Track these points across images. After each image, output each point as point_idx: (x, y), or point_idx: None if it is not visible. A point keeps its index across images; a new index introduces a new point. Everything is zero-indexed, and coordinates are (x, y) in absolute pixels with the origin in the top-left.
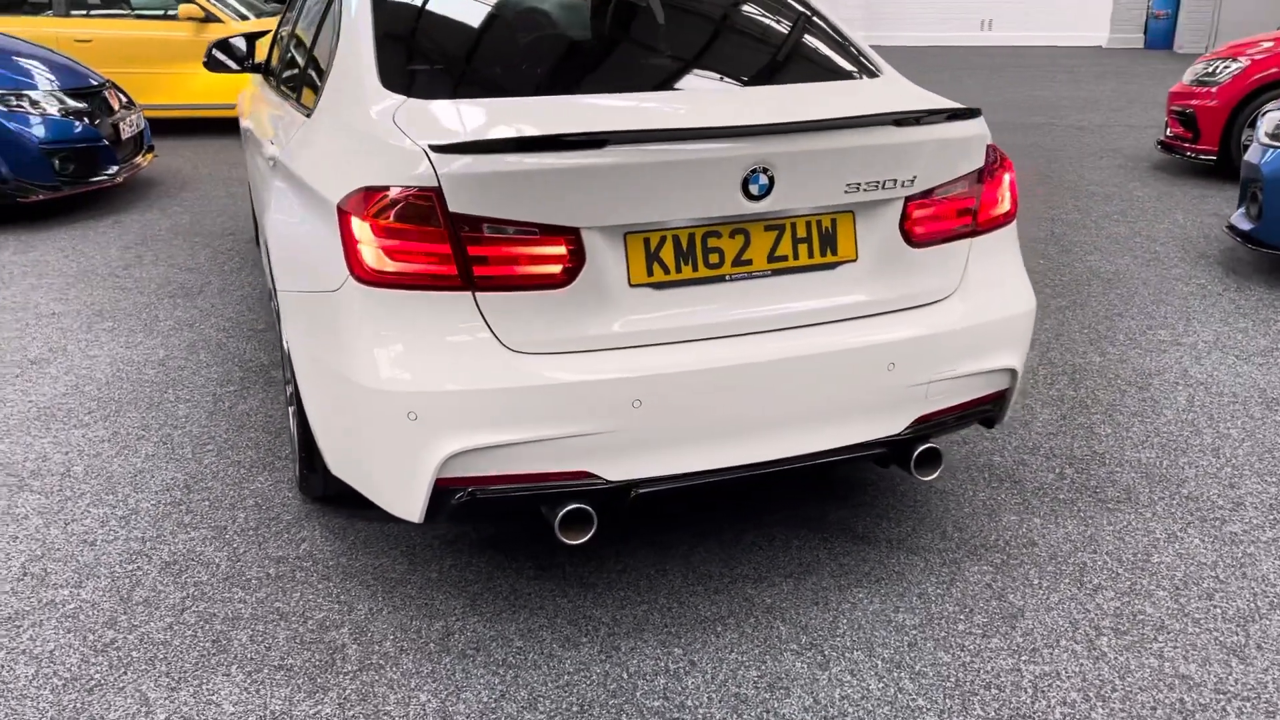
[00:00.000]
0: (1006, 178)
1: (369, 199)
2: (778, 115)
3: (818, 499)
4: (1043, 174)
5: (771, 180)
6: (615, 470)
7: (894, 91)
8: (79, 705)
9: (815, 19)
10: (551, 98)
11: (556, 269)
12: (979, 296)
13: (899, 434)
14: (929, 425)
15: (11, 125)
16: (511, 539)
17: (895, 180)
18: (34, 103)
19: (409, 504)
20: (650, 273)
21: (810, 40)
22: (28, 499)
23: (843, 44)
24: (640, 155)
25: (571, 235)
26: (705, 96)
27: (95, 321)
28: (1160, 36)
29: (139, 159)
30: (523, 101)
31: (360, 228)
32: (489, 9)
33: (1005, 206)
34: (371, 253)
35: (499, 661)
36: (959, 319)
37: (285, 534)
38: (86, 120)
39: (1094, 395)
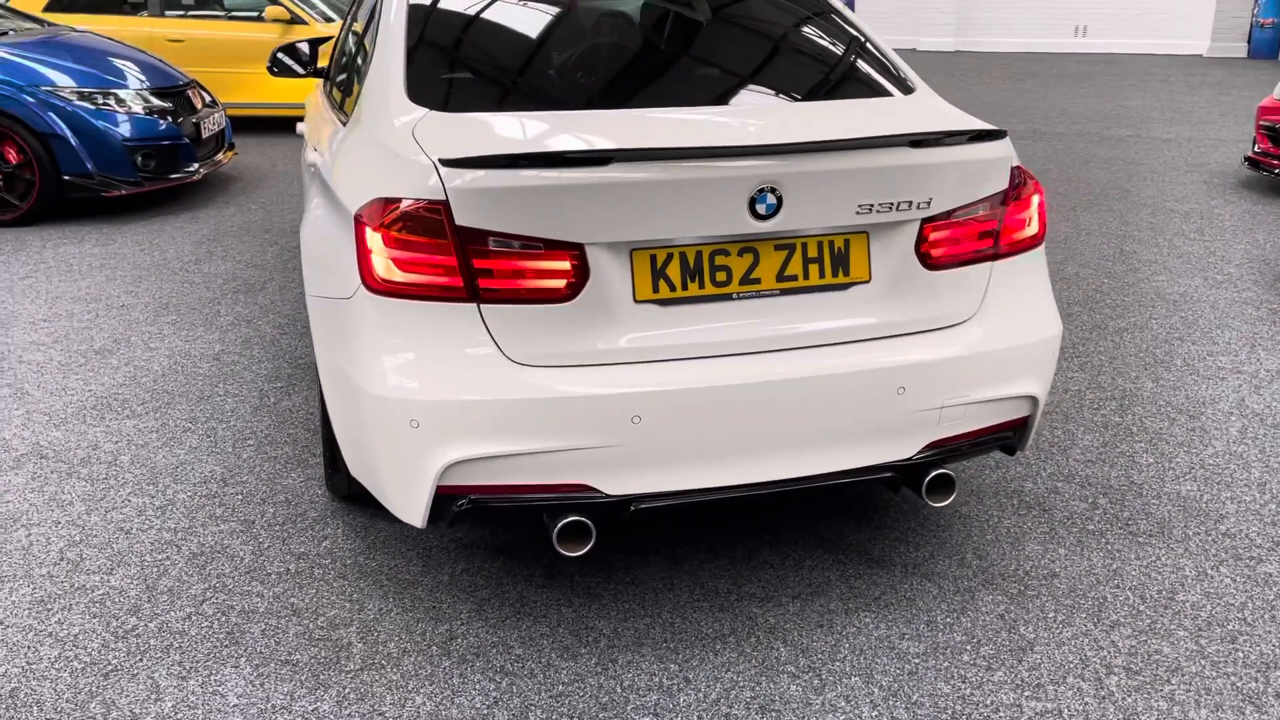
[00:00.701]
0: (1035, 200)
1: (382, 210)
2: (790, 135)
3: (837, 519)
4: (1121, 189)
5: (780, 200)
6: (614, 485)
7: (922, 110)
8: (94, 689)
9: (853, 34)
10: (575, 113)
11: (560, 283)
12: (999, 321)
13: (910, 459)
14: (942, 451)
15: (98, 123)
16: (524, 545)
17: (910, 202)
18: (120, 101)
19: (412, 509)
20: (656, 289)
21: (844, 57)
22: (75, 486)
23: (878, 60)
24: (644, 173)
25: (575, 251)
26: (723, 114)
27: (160, 314)
28: (1265, 46)
29: (219, 156)
30: (545, 116)
31: (373, 238)
32: (520, 24)
33: (1032, 230)
34: (382, 262)
35: (497, 668)
36: (975, 344)
37: (310, 531)
38: (170, 119)
39: (1141, 423)
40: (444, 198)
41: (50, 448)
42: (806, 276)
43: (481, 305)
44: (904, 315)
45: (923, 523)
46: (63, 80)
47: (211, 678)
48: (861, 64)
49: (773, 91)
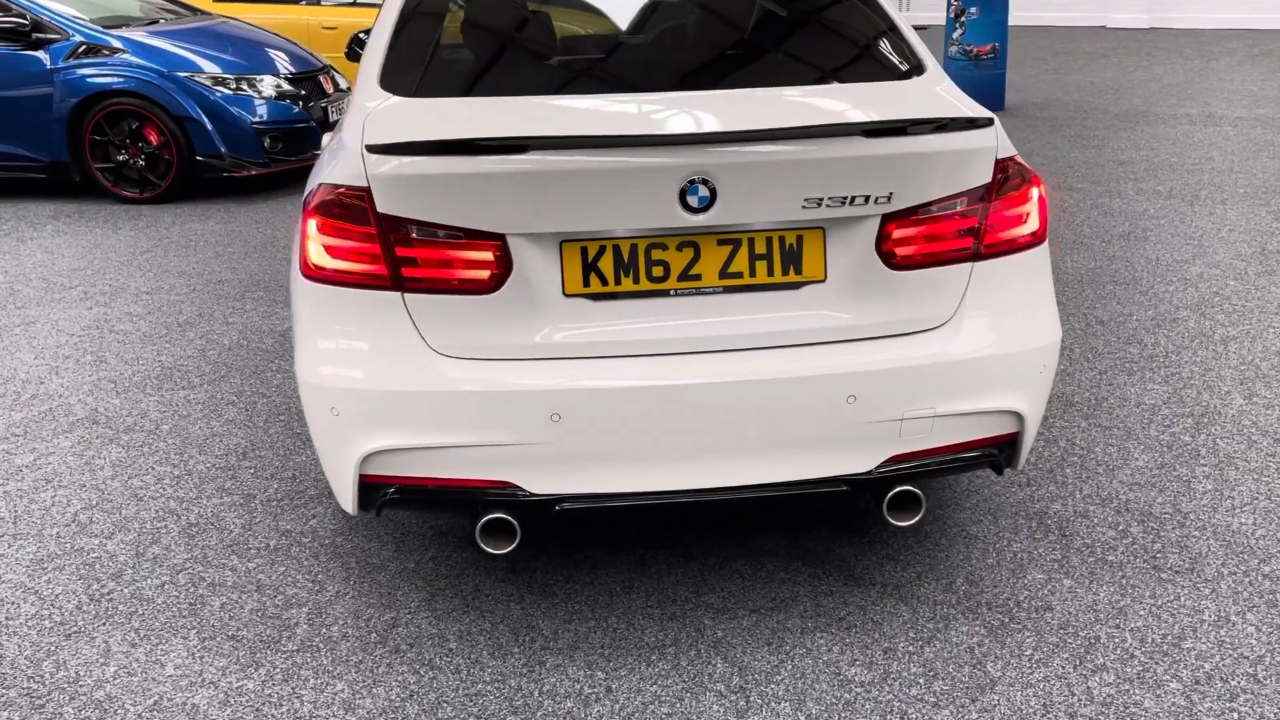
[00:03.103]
0: (1034, 194)
1: (318, 197)
2: (730, 123)
3: (825, 531)
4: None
5: (714, 192)
6: (539, 483)
7: (916, 95)
8: (52, 648)
9: (862, 10)
10: (539, 99)
11: (484, 274)
12: (977, 328)
13: (868, 473)
14: (908, 466)
15: (231, 107)
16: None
17: (866, 197)
18: (253, 86)
19: (343, 495)
20: (587, 283)
21: (844, 37)
22: (111, 452)
23: (886, 39)
24: (564, 162)
25: (497, 241)
26: (680, 101)
27: (250, 290)
28: None
29: None
30: (505, 102)
31: (310, 224)
32: (505, 13)
33: (1027, 228)
34: (315, 249)
35: (425, 661)
36: (944, 352)
37: (303, 509)
38: (300, 103)
39: (1213, 444)
40: (366, 185)
41: (104, 414)
42: (753, 274)
43: (405, 295)
44: (864, 319)
45: (920, 541)
46: (203, 66)
47: (159, 647)
48: (862, 44)
49: (756, 77)
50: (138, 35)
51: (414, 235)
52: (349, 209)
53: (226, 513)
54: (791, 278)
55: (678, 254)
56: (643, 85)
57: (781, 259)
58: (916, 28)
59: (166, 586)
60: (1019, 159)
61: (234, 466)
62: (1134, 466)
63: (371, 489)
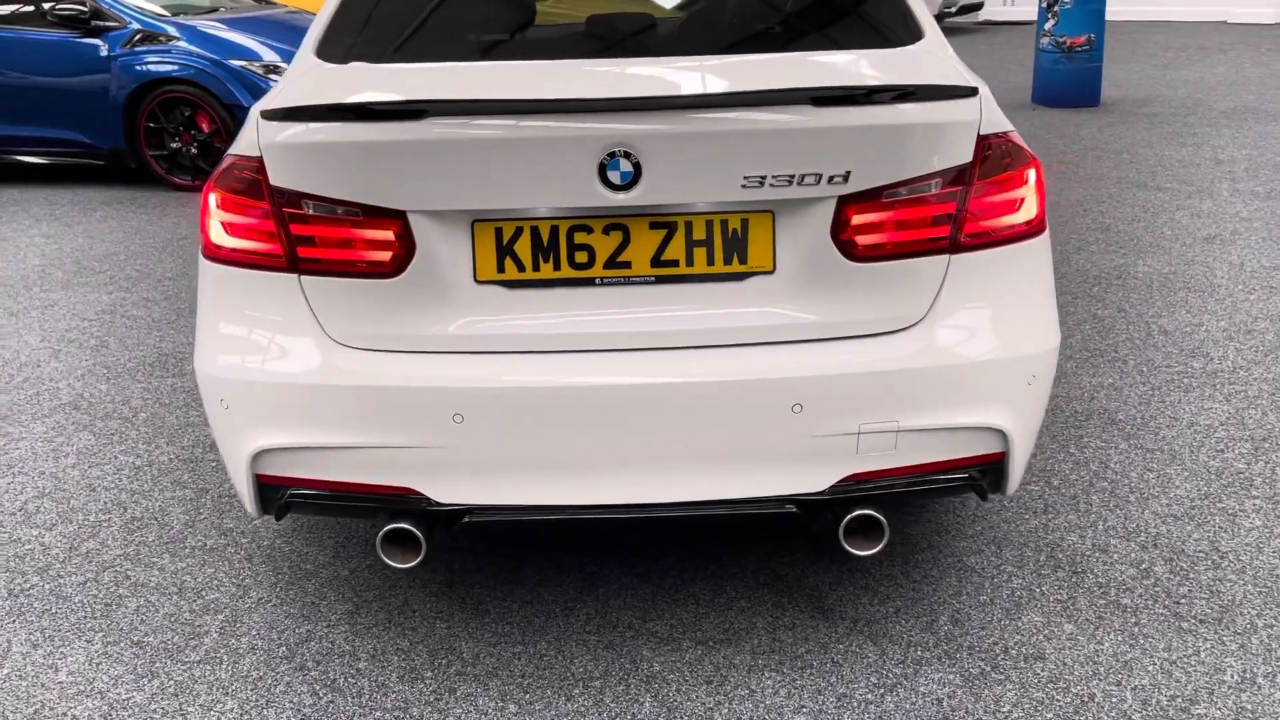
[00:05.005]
0: (1030, 177)
1: (219, 169)
2: (659, 88)
3: (802, 553)
4: None
5: (638, 167)
6: (443, 491)
7: (895, 63)
8: None
9: None
10: (464, 64)
11: (384, 256)
12: (953, 330)
13: (820, 493)
14: (869, 487)
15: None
16: (452, 545)
17: (818, 176)
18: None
19: (243, 495)
20: (501, 269)
21: (830, 3)
22: (82, 439)
23: (885, 5)
24: (468, 131)
25: (398, 219)
26: (609, 67)
27: None
28: None
29: None
30: (426, 69)
31: (210, 199)
32: None
33: (1019, 217)
34: (215, 226)
35: (327, 682)
36: (908, 356)
37: None
38: None
39: (1270, 473)
40: (259, 154)
41: (87, 400)
42: (690, 263)
43: (302, 277)
44: (818, 316)
45: (907, 571)
46: (260, 54)
47: (59, 650)
48: (846, 8)
49: (711, 44)
50: (195, 23)
51: (310, 211)
52: (244, 182)
53: (173, 508)
54: (735, 268)
55: (604, 238)
56: (585, 52)
57: (724, 246)
58: (999, 23)
59: (88, 585)
60: (1013, 137)
61: (197, 459)
62: (1172, 495)
63: (270, 490)
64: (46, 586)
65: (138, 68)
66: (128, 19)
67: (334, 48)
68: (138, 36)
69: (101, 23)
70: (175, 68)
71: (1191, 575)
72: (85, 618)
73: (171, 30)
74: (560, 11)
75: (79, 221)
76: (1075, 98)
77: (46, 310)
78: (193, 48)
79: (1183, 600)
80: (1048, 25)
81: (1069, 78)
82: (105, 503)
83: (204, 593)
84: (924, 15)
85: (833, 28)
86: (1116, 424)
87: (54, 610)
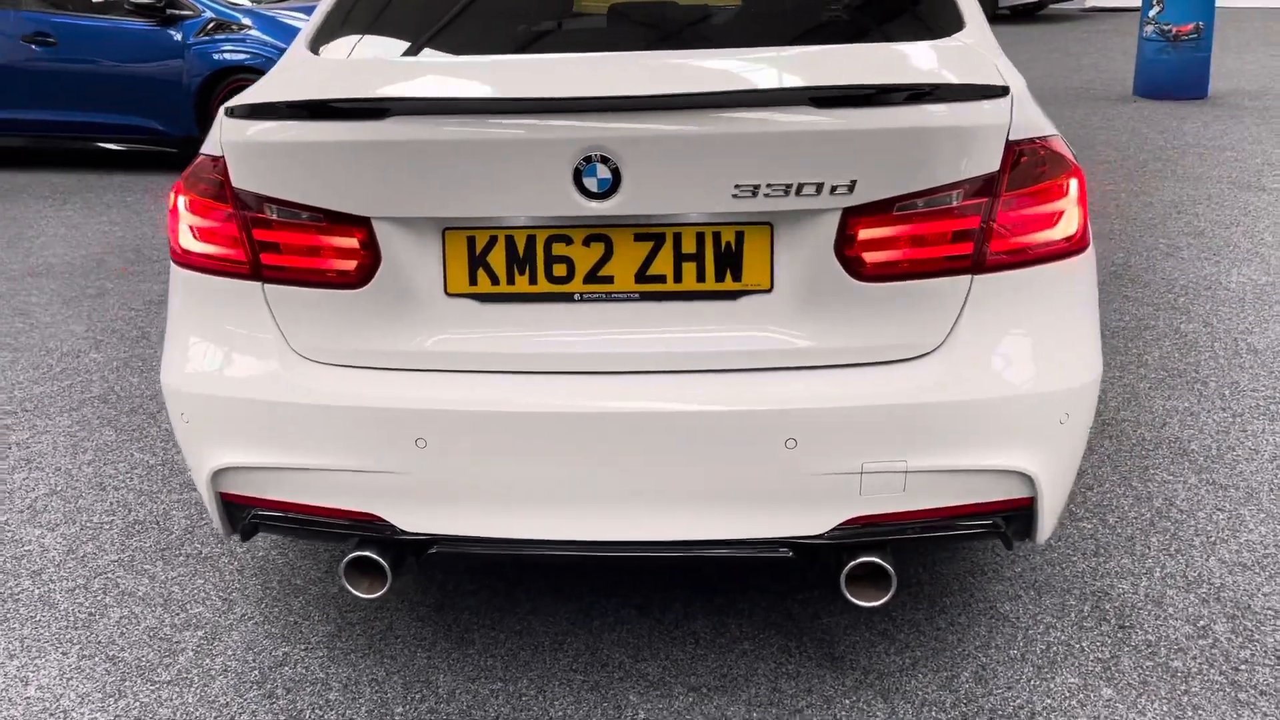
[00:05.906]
0: (1072, 186)
1: (188, 168)
2: (639, 87)
3: (819, 592)
4: None
5: (617, 173)
6: (408, 520)
7: (919, 58)
8: None
9: None
10: (446, 59)
11: (349, 265)
12: (972, 361)
13: (818, 536)
14: (873, 532)
15: None
16: (444, 566)
17: (819, 185)
18: None
19: (211, 514)
20: (474, 281)
21: None
22: (103, 435)
23: None
24: (434, 132)
25: (362, 226)
26: (592, 63)
27: None
28: None
29: None
30: (405, 64)
31: (179, 201)
32: None
33: (1057, 233)
34: (183, 229)
35: (294, 713)
36: (920, 390)
37: None
38: None
39: None
40: (221, 153)
41: (116, 393)
42: (678, 279)
43: (265, 285)
44: (819, 341)
45: (932, 616)
46: None
47: (34, 661)
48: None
49: (723, 38)
50: (268, 11)
51: (273, 216)
52: (208, 182)
53: (176, 511)
54: (728, 285)
55: (584, 249)
56: (580, 47)
57: (716, 261)
58: (1104, 9)
59: (77, 591)
60: (1052, 143)
61: None
62: (1243, 541)
63: (236, 508)
64: (36, 592)
65: (211, 56)
66: (201, 8)
67: (324, 42)
68: (211, 25)
69: (176, 11)
70: (247, 56)
71: (1256, 637)
72: (66, 628)
73: (244, 19)
74: (592, 2)
75: (147, 209)
76: (1180, 89)
77: (97, 299)
78: (265, 36)
79: (1243, 667)
80: (1152, 12)
81: (1174, 68)
82: (111, 503)
83: (189, 605)
84: (966, 3)
85: (862, 18)
86: (1188, 455)
87: (38, 618)
